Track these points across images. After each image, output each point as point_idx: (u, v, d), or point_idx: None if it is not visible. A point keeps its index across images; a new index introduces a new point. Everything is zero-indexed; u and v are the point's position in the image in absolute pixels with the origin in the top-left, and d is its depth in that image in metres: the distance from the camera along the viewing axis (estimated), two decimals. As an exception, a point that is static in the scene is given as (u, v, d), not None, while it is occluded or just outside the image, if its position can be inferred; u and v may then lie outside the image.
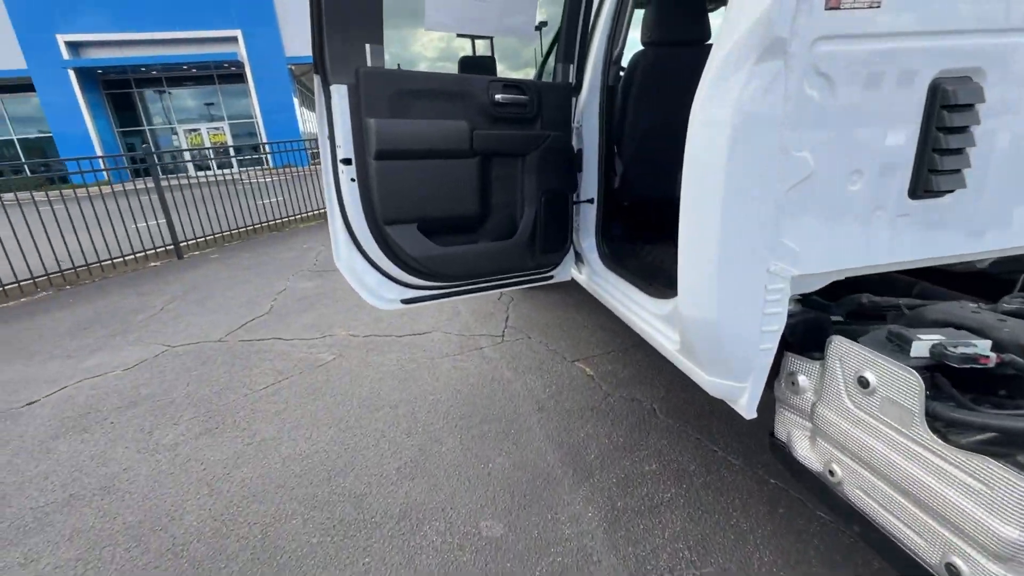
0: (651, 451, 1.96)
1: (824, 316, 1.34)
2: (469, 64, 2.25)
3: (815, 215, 1.14)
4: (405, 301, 1.84)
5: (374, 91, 1.53)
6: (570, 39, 1.89)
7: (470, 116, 1.70)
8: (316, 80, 1.55)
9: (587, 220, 2.16)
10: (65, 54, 17.81)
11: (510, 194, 1.85)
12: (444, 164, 1.67)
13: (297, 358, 2.95)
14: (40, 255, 4.67)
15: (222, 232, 6.39)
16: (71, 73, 18.02)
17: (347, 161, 1.60)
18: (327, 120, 1.58)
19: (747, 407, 1.28)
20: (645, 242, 2.26)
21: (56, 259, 4.78)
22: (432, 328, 3.24)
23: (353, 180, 1.61)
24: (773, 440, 1.38)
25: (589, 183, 2.12)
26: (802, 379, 1.27)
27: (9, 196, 4.71)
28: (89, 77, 18.84)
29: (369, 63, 1.53)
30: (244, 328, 3.47)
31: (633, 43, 2.29)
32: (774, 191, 1.09)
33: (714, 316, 1.19)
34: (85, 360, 3.13)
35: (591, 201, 2.14)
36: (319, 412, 2.37)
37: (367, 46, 1.51)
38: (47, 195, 5.36)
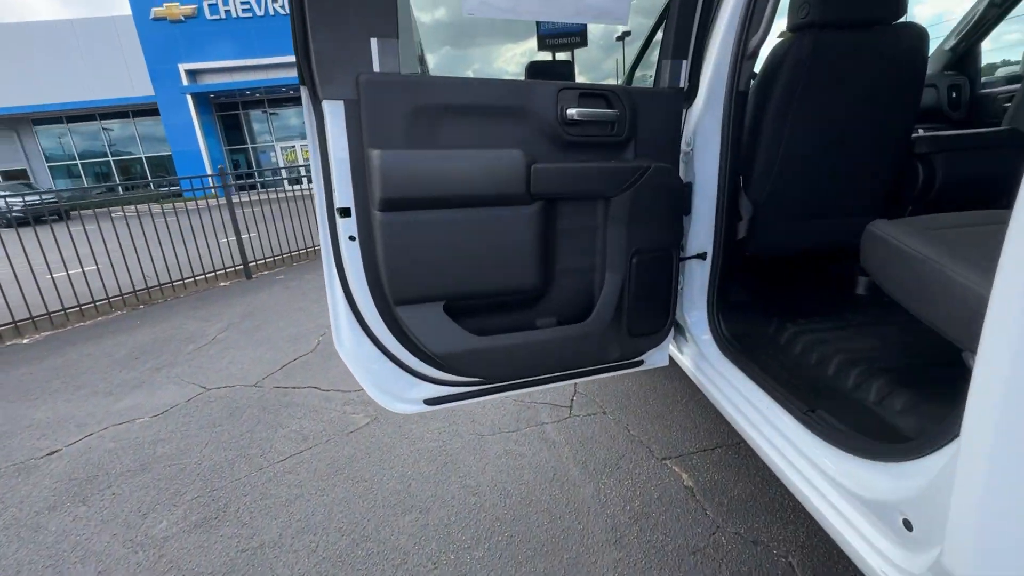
0: (796, 658, 1.25)
1: None
2: (540, 71, 1.70)
3: None
4: (429, 401, 1.30)
5: (382, 108, 1.02)
6: (683, 24, 1.27)
7: (528, 142, 1.14)
8: (304, 94, 1.06)
9: (695, 283, 1.51)
10: (184, 81, 19.83)
11: (584, 256, 1.26)
12: (485, 215, 1.12)
13: (328, 419, 2.53)
14: (112, 274, 4.78)
15: (291, 252, 6.37)
16: (189, 98, 20.00)
17: (345, 212, 1.09)
18: (319, 152, 1.08)
19: None
20: (789, 322, 1.54)
21: (131, 278, 4.88)
22: (485, 388, 2.69)
23: (353, 239, 1.10)
24: None
25: (701, 231, 1.47)
26: None
27: (130, 208, 5.10)
28: (203, 101, 20.83)
29: (376, 67, 1.02)
30: (284, 370, 3.16)
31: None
32: None
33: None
34: (122, 399, 2.95)
35: (701, 257, 1.49)
36: (335, 507, 1.89)
37: (373, 41, 1.00)
38: (162, 208, 5.66)
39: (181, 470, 2.21)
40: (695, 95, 1.38)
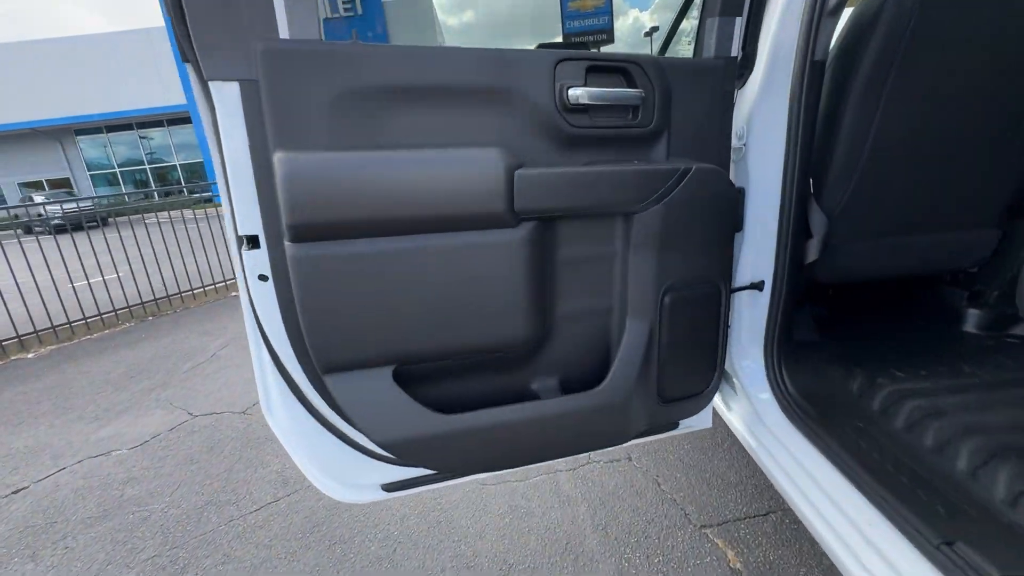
0: None
1: None
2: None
3: None
4: (389, 487, 0.97)
5: (293, 91, 0.70)
6: (737, -33, 0.90)
7: (511, 136, 0.80)
8: (191, 74, 0.75)
9: (748, 321, 1.13)
10: (215, 89, 20.30)
11: (595, 296, 0.91)
12: (449, 244, 0.78)
13: (314, 457, 2.24)
14: (119, 284, 4.69)
15: (304, 259, 6.21)
16: (219, 105, 20.48)
17: (252, 241, 0.77)
18: (218, 153, 0.77)
19: None
20: (881, 376, 1.14)
21: (138, 289, 4.78)
22: (491, 424, 2.36)
23: (265, 279, 0.78)
24: None
25: (757, 253, 1.09)
26: None
27: (153, 215, 5.22)
28: (233, 108, 21.27)
29: (284, 31, 0.69)
30: (276, 395, 2.91)
31: None
32: None
33: None
34: (106, 426, 2.75)
35: (757, 287, 1.11)
36: (304, 578, 1.59)
37: (276, -7, 0.68)
38: (193, 213, 5.65)
39: (144, 519, 1.96)
40: (751, 67, 1.01)
